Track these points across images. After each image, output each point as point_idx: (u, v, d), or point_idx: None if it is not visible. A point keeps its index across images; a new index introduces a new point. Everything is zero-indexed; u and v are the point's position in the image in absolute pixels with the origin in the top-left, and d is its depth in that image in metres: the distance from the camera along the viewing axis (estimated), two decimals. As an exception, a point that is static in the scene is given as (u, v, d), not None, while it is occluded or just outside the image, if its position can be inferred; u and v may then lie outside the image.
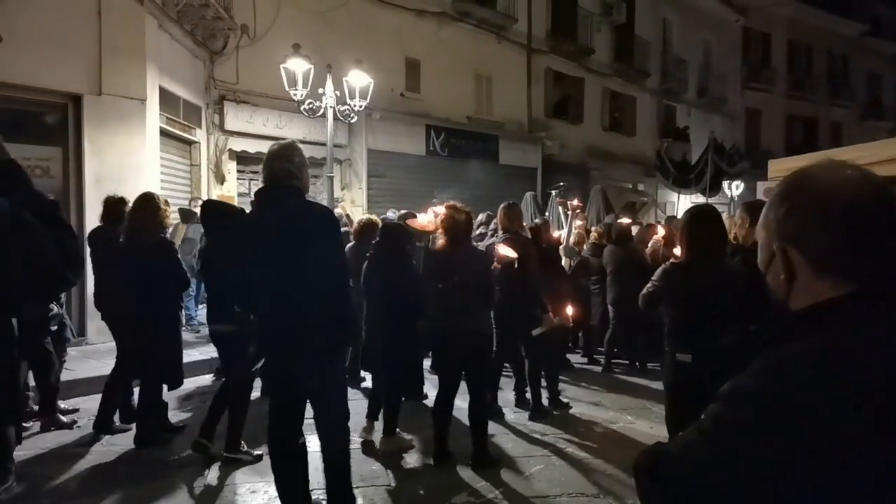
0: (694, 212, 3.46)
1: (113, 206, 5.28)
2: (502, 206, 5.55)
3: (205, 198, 9.68)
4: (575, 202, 8.08)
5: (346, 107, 9.25)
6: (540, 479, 4.27)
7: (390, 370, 4.74)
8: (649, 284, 3.57)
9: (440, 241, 4.46)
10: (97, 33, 7.94)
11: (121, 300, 4.71)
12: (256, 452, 4.45)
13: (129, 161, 8.25)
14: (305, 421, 3.33)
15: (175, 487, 4.08)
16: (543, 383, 5.81)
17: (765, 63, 26.35)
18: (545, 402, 5.78)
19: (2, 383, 2.32)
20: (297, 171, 3.26)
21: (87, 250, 5.22)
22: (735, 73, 25.02)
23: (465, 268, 4.32)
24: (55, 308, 4.97)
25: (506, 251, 4.90)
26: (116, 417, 5.09)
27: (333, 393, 3.31)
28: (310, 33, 11.20)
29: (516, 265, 4.94)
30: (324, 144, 9.65)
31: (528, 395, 5.73)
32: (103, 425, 4.97)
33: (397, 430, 4.83)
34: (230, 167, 11.97)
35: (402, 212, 6.99)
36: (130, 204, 4.91)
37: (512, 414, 5.69)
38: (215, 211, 4.73)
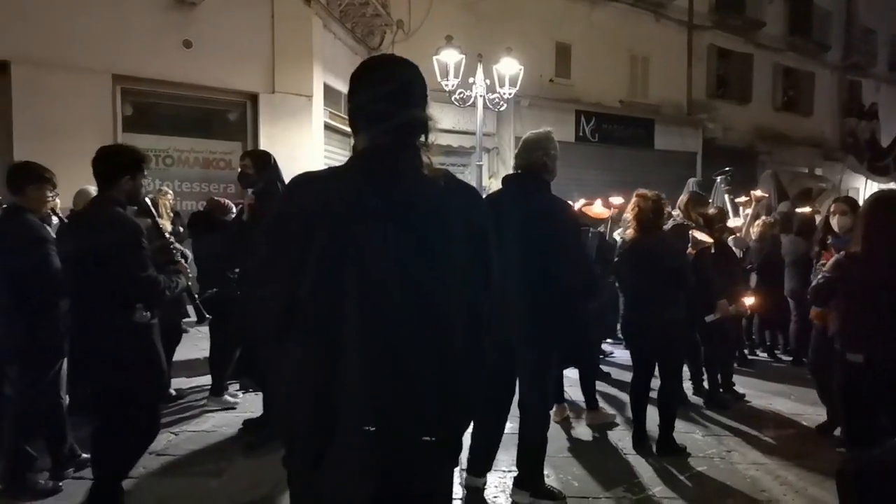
0: (880, 197, 3.08)
1: None
2: (689, 193, 5.60)
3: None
4: (758, 192, 7.77)
5: (495, 95, 9.32)
6: (719, 471, 4.13)
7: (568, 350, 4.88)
8: (820, 276, 3.27)
9: (629, 229, 4.43)
10: (271, 37, 8.71)
11: None
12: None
13: (298, 154, 8.95)
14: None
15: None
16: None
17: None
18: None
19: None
20: (551, 163, 3.34)
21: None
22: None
23: (657, 255, 4.26)
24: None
25: (702, 236, 4.81)
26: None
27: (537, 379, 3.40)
28: (461, 25, 11.39)
29: (712, 250, 4.91)
30: (472, 133, 9.81)
31: (706, 384, 5.62)
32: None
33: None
34: (386, 158, 12.54)
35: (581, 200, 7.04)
36: None
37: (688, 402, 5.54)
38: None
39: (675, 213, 5.40)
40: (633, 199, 4.45)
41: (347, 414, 1.50)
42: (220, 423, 4.59)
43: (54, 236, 3.53)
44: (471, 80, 9.06)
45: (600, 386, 5.63)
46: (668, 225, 5.11)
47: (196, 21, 8.09)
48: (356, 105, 1.68)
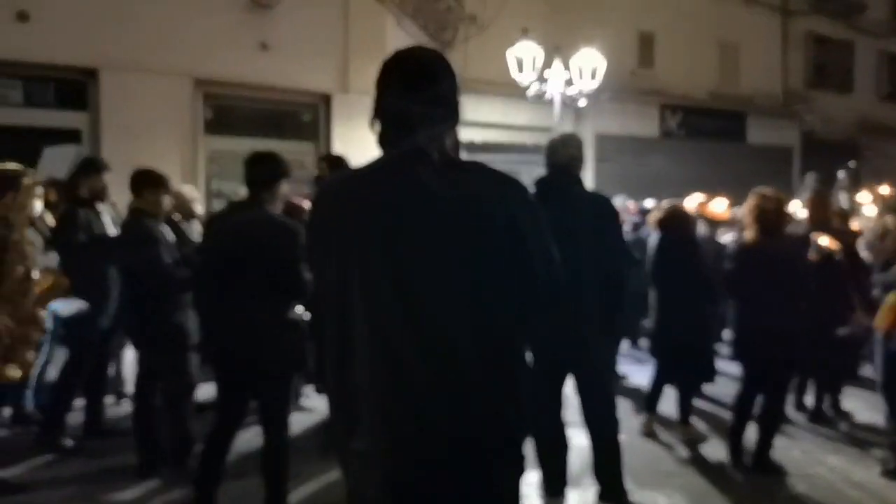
0: None
1: None
2: (813, 191, 5.40)
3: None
4: (887, 189, 7.14)
5: (572, 89, 8.97)
6: (819, 491, 3.88)
7: (682, 356, 4.68)
8: None
9: (748, 232, 4.20)
10: (344, 36, 8.72)
11: None
12: None
13: (369, 153, 8.85)
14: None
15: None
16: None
17: None
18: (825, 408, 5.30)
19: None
20: (583, 159, 3.51)
21: None
22: None
23: (781, 261, 4.02)
24: None
25: (828, 241, 4.55)
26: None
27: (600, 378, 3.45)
28: (538, 17, 11.06)
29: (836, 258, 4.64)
30: (548, 130, 9.47)
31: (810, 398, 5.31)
32: None
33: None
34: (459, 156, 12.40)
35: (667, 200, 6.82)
36: None
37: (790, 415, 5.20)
38: None
39: (793, 211, 5.06)
40: (753, 200, 4.16)
41: (361, 422, 1.47)
42: (296, 426, 4.57)
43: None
44: (547, 74, 8.75)
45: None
46: (793, 228, 4.85)
47: (272, 23, 8.19)
48: (375, 98, 1.60)
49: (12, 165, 2.99)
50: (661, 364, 4.88)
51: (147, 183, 3.89)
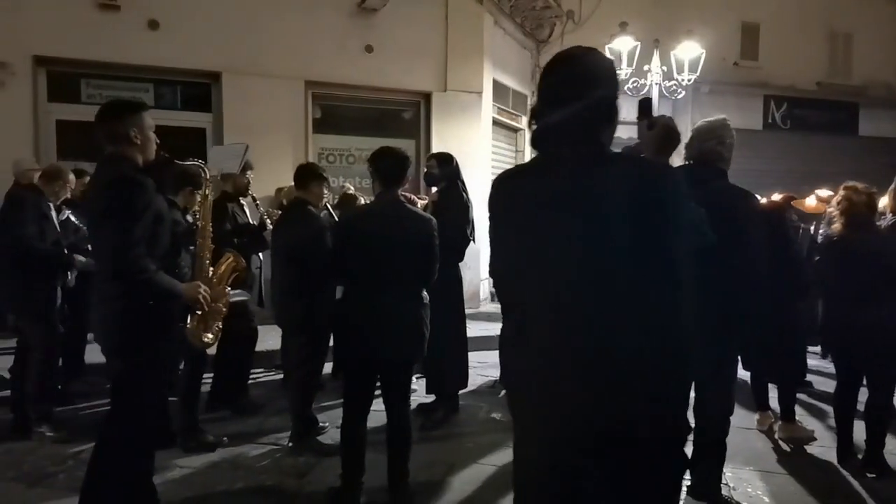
0: None
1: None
2: None
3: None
4: None
5: (672, 82, 8.85)
6: None
7: (774, 355, 4.56)
8: None
9: (836, 225, 4.10)
10: (444, 37, 9.01)
11: None
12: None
13: (466, 150, 9.14)
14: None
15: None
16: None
17: None
18: None
19: None
20: (727, 152, 3.25)
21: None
22: None
23: (871, 254, 3.92)
24: None
25: None
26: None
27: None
28: (636, 10, 10.90)
29: None
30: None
31: None
32: None
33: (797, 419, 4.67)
34: (552, 152, 12.41)
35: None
36: None
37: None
38: None
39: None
40: (842, 192, 4.08)
41: (532, 393, 1.65)
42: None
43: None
44: (646, 67, 8.68)
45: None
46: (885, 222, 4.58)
47: (377, 26, 8.60)
48: (537, 100, 1.75)
49: (193, 162, 3.41)
50: (751, 363, 4.77)
51: (312, 176, 4.24)
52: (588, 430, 1.54)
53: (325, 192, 4.32)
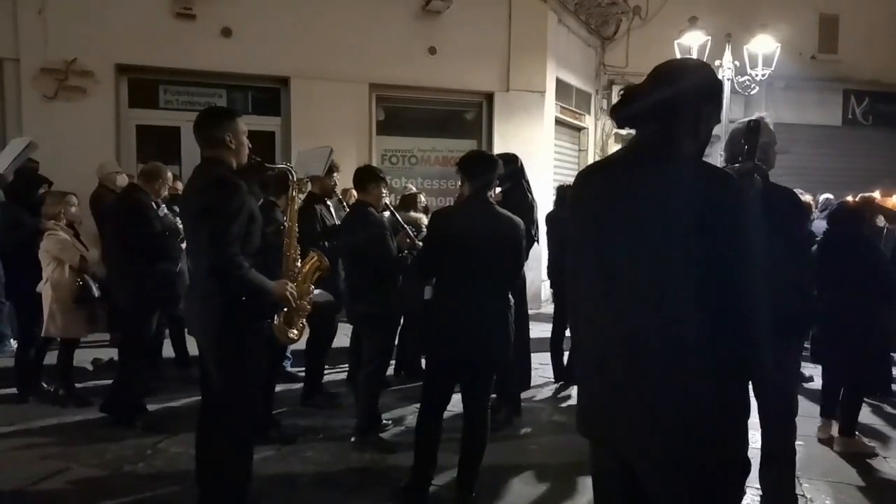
0: None
1: (561, 191, 6.14)
2: None
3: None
4: None
5: (744, 78, 8.53)
6: None
7: (851, 363, 4.34)
8: None
9: None
10: (507, 36, 8.98)
11: None
12: None
13: (529, 150, 9.06)
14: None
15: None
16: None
17: None
18: None
19: None
20: (761, 151, 3.22)
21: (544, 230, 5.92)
22: None
23: None
24: None
25: None
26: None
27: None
28: (706, 4, 10.56)
29: None
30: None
31: None
32: None
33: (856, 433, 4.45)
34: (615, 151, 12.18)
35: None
36: None
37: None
38: None
39: None
40: None
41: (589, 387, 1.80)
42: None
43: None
44: (717, 62, 8.40)
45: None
46: None
47: (440, 28, 8.66)
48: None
49: (280, 165, 3.52)
50: (827, 371, 4.60)
51: (370, 178, 4.27)
52: (650, 445, 1.59)
53: (384, 192, 4.35)
